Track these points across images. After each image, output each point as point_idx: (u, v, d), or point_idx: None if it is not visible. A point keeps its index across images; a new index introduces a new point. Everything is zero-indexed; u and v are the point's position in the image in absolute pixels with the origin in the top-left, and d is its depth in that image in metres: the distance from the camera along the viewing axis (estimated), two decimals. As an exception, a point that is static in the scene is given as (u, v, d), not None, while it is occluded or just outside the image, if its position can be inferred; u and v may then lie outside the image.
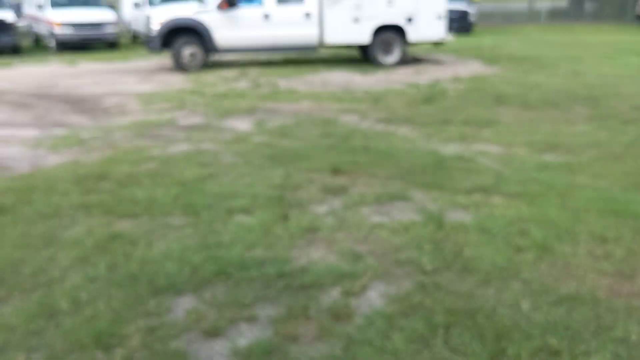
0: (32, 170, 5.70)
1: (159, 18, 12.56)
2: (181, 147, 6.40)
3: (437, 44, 13.87)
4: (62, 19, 16.38)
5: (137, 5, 18.17)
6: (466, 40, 19.90)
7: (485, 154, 6.01)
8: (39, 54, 16.49)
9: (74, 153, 6.29)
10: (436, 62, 13.96)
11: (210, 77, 11.62)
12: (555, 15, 32.95)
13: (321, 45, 12.98)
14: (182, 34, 12.50)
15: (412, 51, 15.58)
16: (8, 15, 15.86)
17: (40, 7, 17.50)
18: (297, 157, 5.85)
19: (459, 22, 23.65)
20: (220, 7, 12.33)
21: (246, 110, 8.32)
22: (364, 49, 13.60)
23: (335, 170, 5.39)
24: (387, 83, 11.01)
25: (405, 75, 11.91)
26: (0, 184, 5.15)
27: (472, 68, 12.97)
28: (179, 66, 12.50)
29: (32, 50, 17.73)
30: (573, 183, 5.02)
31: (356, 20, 12.69)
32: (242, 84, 10.77)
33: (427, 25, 12.83)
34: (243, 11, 12.51)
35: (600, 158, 5.82)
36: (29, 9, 18.86)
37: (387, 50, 13.01)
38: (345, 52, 15.15)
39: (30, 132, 7.36)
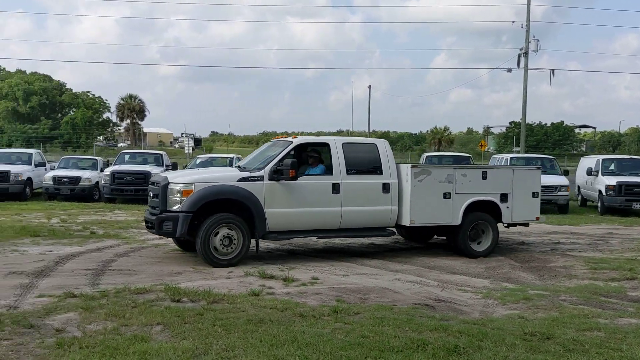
0: (481, 317, 6.28)
1: (181, 185, 8.64)
2: (631, 321, 6.09)
3: (526, 225, 10.98)
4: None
5: (589, 170, 18.49)
6: None
7: None
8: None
9: (521, 308, 6.68)
10: None
11: None
12: None
13: (398, 225, 9.91)
14: (215, 210, 8.69)
15: None
16: None
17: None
18: None
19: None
20: (288, 174, 8.78)
21: None
22: (445, 234, 10.50)
23: None
24: None
25: None
26: (455, 326, 5.84)
27: None
28: (208, 258, 8.56)
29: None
30: None
31: (446, 196, 9.75)
32: None
33: (522, 203, 10.34)
34: (305, 181, 9.20)
35: None
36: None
37: (477, 234, 10.14)
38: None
39: (482, 282, 8.13)
